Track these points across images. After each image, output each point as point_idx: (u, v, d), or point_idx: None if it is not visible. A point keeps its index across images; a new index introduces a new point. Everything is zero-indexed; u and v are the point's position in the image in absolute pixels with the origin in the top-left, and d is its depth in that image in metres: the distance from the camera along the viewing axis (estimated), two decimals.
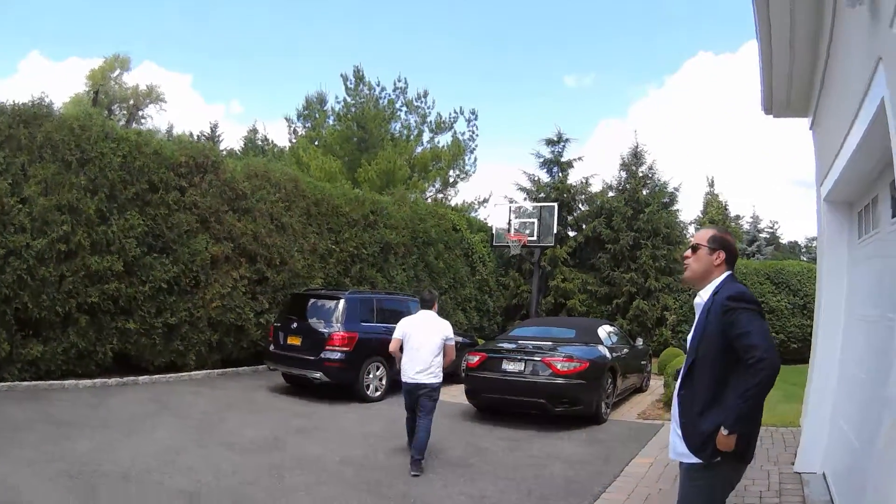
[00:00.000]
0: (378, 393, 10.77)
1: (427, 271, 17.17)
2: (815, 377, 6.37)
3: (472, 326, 18.15)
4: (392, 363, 9.19)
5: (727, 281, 3.24)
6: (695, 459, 3.09)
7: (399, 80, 29.04)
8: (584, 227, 21.47)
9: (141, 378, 10.50)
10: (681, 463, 3.23)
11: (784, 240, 37.35)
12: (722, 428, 2.94)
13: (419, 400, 6.87)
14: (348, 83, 27.97)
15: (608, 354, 10.03)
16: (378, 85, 28.32)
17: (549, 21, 59.56)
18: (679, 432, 3.18)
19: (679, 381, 3.26)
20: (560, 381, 8.92)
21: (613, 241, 20.49)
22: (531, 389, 9.02)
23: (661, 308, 19.75)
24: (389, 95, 28.45)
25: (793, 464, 6.45)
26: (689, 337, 3.32)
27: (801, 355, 19.36)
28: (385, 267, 15.69)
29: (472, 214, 25.77)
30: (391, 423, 8.61)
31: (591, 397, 9.19)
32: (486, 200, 28.82)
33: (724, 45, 73.07)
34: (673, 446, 3.27)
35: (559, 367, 8.98)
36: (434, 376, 6.90)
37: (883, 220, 4.63)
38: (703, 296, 3.27)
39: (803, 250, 35.27)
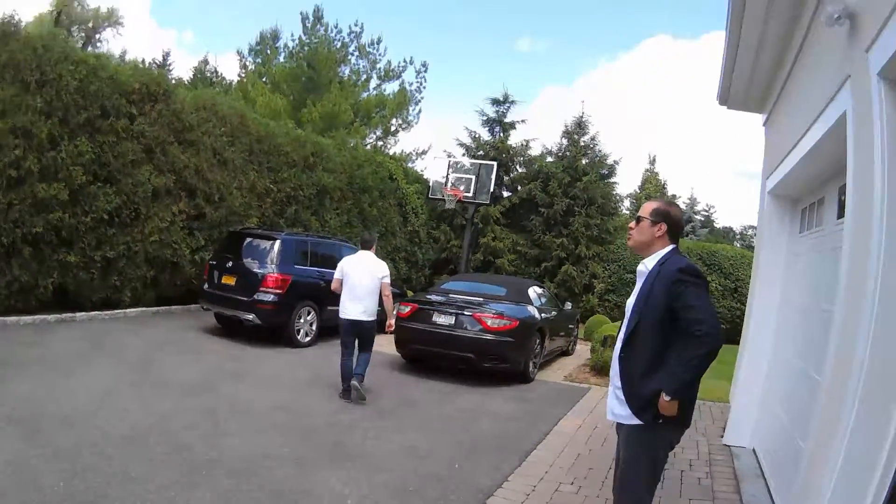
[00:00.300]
0: (308, 338, 10.81)
1: (360, 218, 17.18)
2: (745, 358, 6.86)
3: (399, 277, 18.27)
4: (323, 308, 10.47)
5: (672, 253, 3.43)
6: (636, 421, 3.28)
7: (355, 25, 28.84)
8: (519, 188, 21.88)
9: (78, 315, 10.30)
10: (620, 425, 3.44)
11: (719, 224, 38.66)
12: (664, 394, 3.15)
13: (355, 335, 7.58)
14: (307, 22, 27.59)
15: (537, 315, 10.38)
16: (336, 27, 28.03)
17: None
18: (620, 395, 3.36)
19: (620, 343, 3.42)
20: (489, 336, 9.23)
21: (548, 206, 20.91)
22: (460, 343, 9.30)
23: (589, 275, 20.37)
24: (344, 38, 28.15)
25: (721, 437, 6.94)
26: (630, 301, 3.48)
27: (729, 336, 20.31)
28: (320, 210, 15.65)
29: (410, 165, 25.84)
30: (321, 370, 8.77)
31: (519, 355, 9.55)
32: (424, 152, 29.05)
33: (685, 31, 73.77)
34: (611, 408, 3.45)
35: (489, 323, 9.29)
36: (368, 313, 7.55)
37: (827, 220, 5.03)
38: (647, 264, 3.45)
39: (737, 236, 36.62)
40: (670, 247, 3.47)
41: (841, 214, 4.61)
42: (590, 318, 16.77)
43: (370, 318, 7.58)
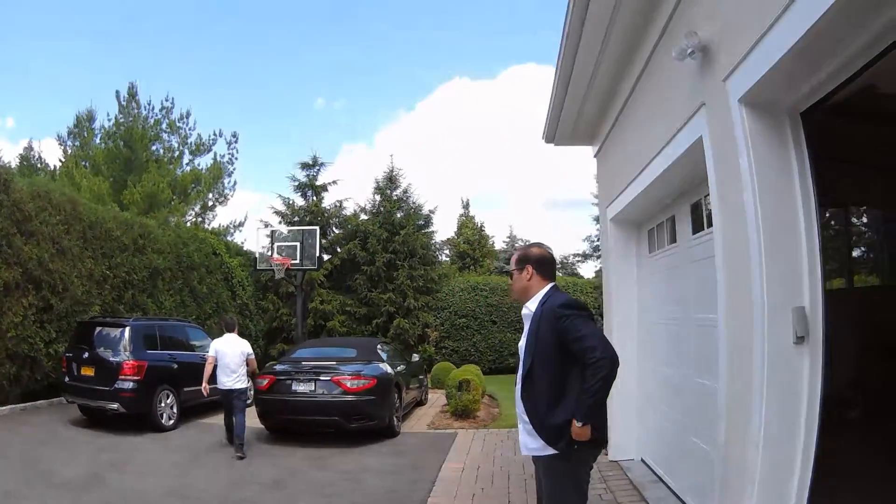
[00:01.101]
0: (171, 421, 10.74)
1: (192, 296, 17.26)
2: (618, 380, 7.32)
3: None
4: (180, 390, 10.91)
5: (552, 291, 3.71)
6: (551, 451, 3.48)
7: (167, 100, 28.09)
8: (339, 249, 22.25)
9: None
10: (536, 458, 3.66)
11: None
12: (574, 421, 3.36)
13: (232, 401, 8.99)
14: (122, 100, 26.67)
15: (390, 370, 10.64)
16: (149, 104, 27.41)
17: (309, 40, 58.73)
18: (529, 429, 3.58)
19: (519, 385, 3.66)
20: (351, 397, 9.39)
21: (369, 263, 21.49)
22: (324, 408, 9.43)
23: (421, 325, 21.05)
24: (156, 115, 27.49)
25: (606, 454, 7.35)
26: (522, 344, 3.75)
27: None
28: (154, 292, 15.67)
29: (230, 238, 25.50)
30: (194, 450, 8.89)
31: (382, 411, 9.77)
32: (242, 224, 28.75)
33: (481, 72, 77.89)
34: (524, 443, 3.68)
35: (349, 384, 9.46)
36: (240, 382, 9.12)
37: (682, 236, 5.68)
38: (530, 307, 3.73)
39: (559, 266, 38.28)
40: (548, 285, 3.77)
41: (697, 229, 5.25)
42: (435, 366, 17.18)
43: (241, 386, 9.10)
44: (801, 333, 3.33)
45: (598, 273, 34.08)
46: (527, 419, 3.60)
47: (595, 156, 8.41)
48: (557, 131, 8.19)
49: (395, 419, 10.16)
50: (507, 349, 21.73)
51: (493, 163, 67.28)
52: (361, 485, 7.13)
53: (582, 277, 28.65)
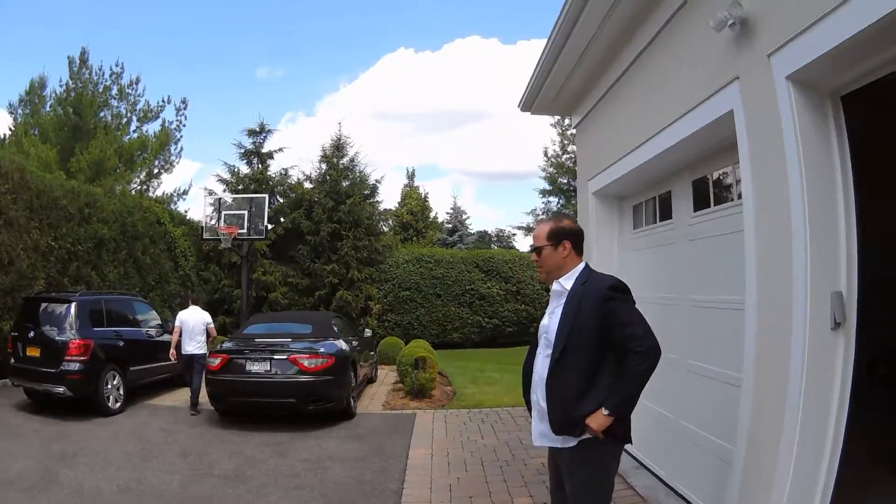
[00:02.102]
0: (118, 404, 10.38)
1: (136, 268, 16.89)
2: None
3: None
4: (126, 370, 10.72)
5: (588, 270, 3.55)
6: (573, 442, 3.34)
7: (117, 65, 27.59)
8: (283, 219, 21.85)
9: None
10: (558, 451, 3.47)
11: (473, 229, 40.69)
12: (602, 409, 3.22)
13: (193, 364, 10.52)
14: (73, 66, 25.91)
15: (346, 347, 10.43)
16: (100, 69, 26.70)
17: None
18: (549, 419, 3.39)
19: (546, 368, 3.41)
20: (309, 378, 9.14)
21: (314, 233, 21.20)
22: (280, 389, 9.16)
23: (364, 298, 20.94)
24: (106, 81, 26.85)
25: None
26: (548, 324, 3.51)
27: (517, 338, 22.23)
28: (99, 264, 15.20)
29: (173, 207, 25.39)
30: (145, 439, 8.50)
31: (340, 392, 9.59)
32: (185, 192, 28.81)
33: (426, 44, 79.59)
34: (541, 433, 3.49)
35: (306, 363, 9.21)
36: (201, 349, 10.70)
37: (681, 213, 5.68)
38: (564, 284, 3.51)
39: (494, 239, 38.61)
40: (582, 263, 3.59)
41: (700, 206, 5.26)
42: (383, 341, 17.08)
43: (202, 352, 10.60)
44: (839, 319, 3.33)
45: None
46: (544, 406, 3.44)
47: (575, 127, 8.35)
48: (537, 100, 8.07)
49: (351, 399, 10.03)
50: (450, 323, 21.94)
51: (436, 135, 69.12)
52: (328, 475, 6.95)
53: (517, 251, 28.66)
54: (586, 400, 3.29)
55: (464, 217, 36.61)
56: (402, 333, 20.39)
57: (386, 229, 27.58)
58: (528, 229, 35.28)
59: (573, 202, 32.86)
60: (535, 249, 3.63)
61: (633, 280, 6.71)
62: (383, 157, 67.03)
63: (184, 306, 11.55)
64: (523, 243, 36.80)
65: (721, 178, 5.03)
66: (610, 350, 3.31)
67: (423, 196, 36.58)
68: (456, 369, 14.99)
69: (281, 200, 22.37)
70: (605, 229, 7.36)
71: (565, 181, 32.82)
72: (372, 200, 22.73)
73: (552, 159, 33.07)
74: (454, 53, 68.55)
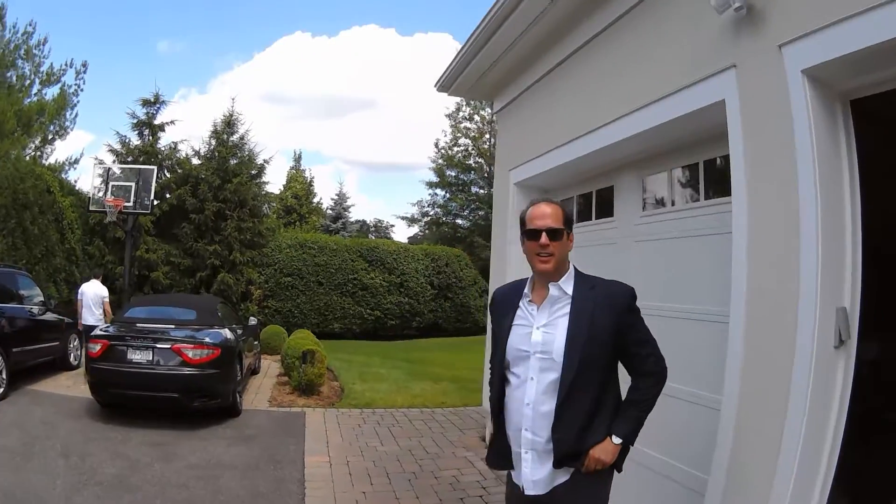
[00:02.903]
0: (1, 390, 9.01)
1: (24, 238, 15.63)
2: None
3: (62, 301, 15.90)
4: (9, 351, 9.29)
5: (578, 272, 2.96)
6: (565, 476, 2.82)
7: (30, 25, 24.84)
8: (168, 195, 20.38)
9: None
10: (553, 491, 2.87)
11: (353, 218, 40.11)
12: (613, 436, 2.79)
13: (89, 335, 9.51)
14: None
15: (232, 336, 9.47)
16: (14, 27, 24.13)
17: None
18: (550, 456, 2.81)
19: (559, 395, 2.76)
20: (193, 371, 8.18)
21: (198, 211, 19.92)
22: (163, 383, 8.13)
23: (245, 282, 19.91)
24: (18, 39, 24.26)
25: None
26: (550, 339, 2.82)
27: (398, 331, 22.08)
28: None
29: (64, 176, 23.14)
30: (28, 435, 7.35)
31: (226, 387, 8.68)
32: (76, 161, 26.22)
33: (324, 29, 79.18)
34: (534, 478, 2.86)
35: (190, 354, 8.24)
36: (97, 320, 11.60)
37: (626, 212, 5.27)
38: (565, 288, 2.87)
39: (372, 230, 38.07)
40: (572, 263, 2.99)
41: (653, 206, 4.87)
42: (265, 330, 16.09)
43: (99, 322, 11.37)
44: (844, 337, 3.01)
45: (420, 239, 34.13)
46: (549, 443, 2.80)
47: (497, 112, 7.89)
48: (458, 81, 7.59)
49: (237, 395, 9.11)
50: (331, 313, 21.23)
51: (322, 121, 68.50)
52: (220, 485, 6.08)
53: (402, 242, 28.20)
54: (590, 433, 2.81)
55: (348, 204, 36.04)
56: (283, 321, 19.49)
57: (270, 212, 26.44)
58: (412, 219, 34.89)
59: (459, 196, 32.78)
60: (553, 232, 2.85)
61: None
62: (270, 140, 66.25)
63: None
64: (402, 234, 36.53)
65: (683, 175, 4.64)
66: (615, 370, 2.93)
67: (308, 180, 35.47)
68: (340, 362, 14.16)
69: (168, 175, 20.84)
70: None
71: (453, 174, 32.68)
72: (258, 181, 21.67)
73: (443, 150, 32.81)
74: (350, 40, 67.64)
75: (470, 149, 33.18)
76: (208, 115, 47.41)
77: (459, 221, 33.75)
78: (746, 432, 3.33)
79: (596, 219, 5.79)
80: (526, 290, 2.99)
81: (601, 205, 5.73)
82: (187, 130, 71.96)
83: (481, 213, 32.37)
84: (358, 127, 68.64)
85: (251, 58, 70.41)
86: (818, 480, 3.01)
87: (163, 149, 20.94)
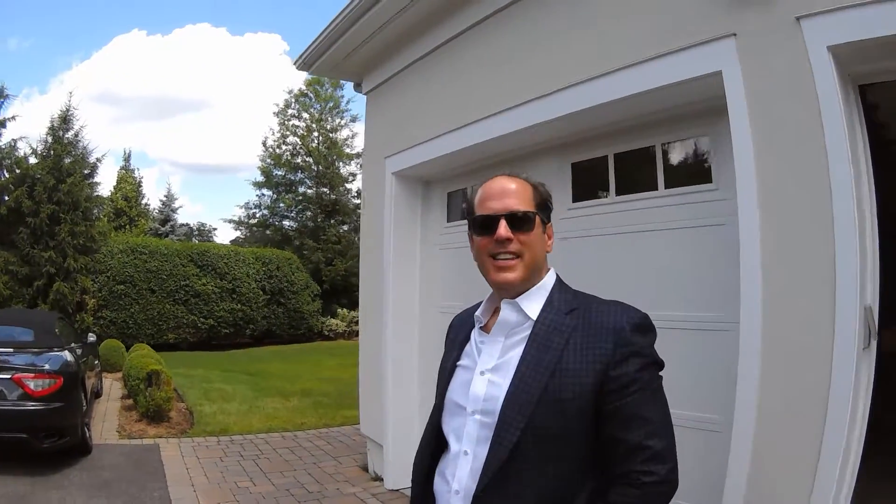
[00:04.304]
0: None
1: None
2: (390, 381, 6.06)
3: None
4: None
5: (563, 285, 1.89)
6: None
7: None
8: (7, 197, 17.74)
9: None
10: None
11: (181, 221, 37.92)
12: None
13: None
14: None
15: (73, 359, 7.81)
16: None
17: None
18: None
19: (481, 475, 1.69)
20: (37, 405, 6.61)
21: (34, 214, 17.47)
22: (10, 421, 6.53)
23: (80, 291, 17.77)
24: None
25: (378, 480, 6.15)
26: (488, 388, 1.75)
27: (232, 339, 20.93)
28: None
29: None
30: None
31: (73, 421, 7.08)
32: None
33: (158, 27, 74.20)
34: None
35: (32, 385, 6.65)
36: None
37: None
38: (526, 307, 1.80)
39: (196, 234, 35.98)
40: (552, 271, 1.93)
41: (585, 196, 4.35)
42: (102, 344, 14.34)
43: None
44: (873, 336, 2.65)
45: (242, 242, 32.25)
46: None
47: (367, 92, 7.00)
48: (322, 59, 6.68)
49: (87, 428, 7.54)
50: (165, 322, 19.62)
51: (150, 121, 65.14)
52: None
53: (232, 245, 26.53)
54: None
55: (176, 206, 33.88)
56: (118, 332, 17.79)
57: (101, 215, 24.06)
58: (239, 222, 32.87)
59: (288, 196, 31.33)
60: (518, 219, 1.79)
61: (445, 286, 5.71)
62: (101, 142, 63.71)
63: None
64: (224, 238, 34.69)
65: (626, 160, 4.09)
66: (592, 448, 1.69)
67: (137, 181, 32.77)
68: (182, 378, 12.71)
69: (7, 176, 18.13)
70: (409, 221, 6.19)
71: (281, 173, 31.22)
72: (91, 181, 19.32)
73: (271, 149, 31.29)
74: (183, 39, 64.78)
75: (298, 147, 31.86)
76: (48, 115, 43.65)
77: (287, 223, 32.34)
78: (769, 454, 2.83)
79: None
80: (479, 312, 1.93)
81: None
82: (28, 131, 67.57)
83: (308, 213, 31.17)
84: (185, 128, 66.29)
85: (90, 56, 65.73)
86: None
87: (3, 147, 18.31)
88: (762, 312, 2.83)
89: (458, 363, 1.91)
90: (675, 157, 3.79)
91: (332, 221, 30.70)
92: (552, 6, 4.17)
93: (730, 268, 3.08)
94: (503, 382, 1.71)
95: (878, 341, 2.69)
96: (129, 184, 31.74)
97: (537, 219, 1.81)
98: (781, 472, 2.76)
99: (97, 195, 19.80)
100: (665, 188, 3.69)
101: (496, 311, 1.88)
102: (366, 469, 6.79)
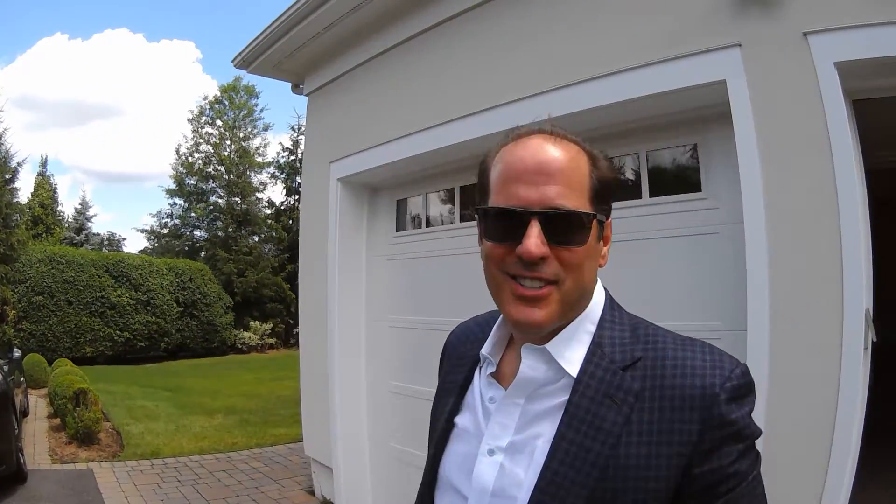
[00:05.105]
0: None
1: None
2: (337, 401, 5.73)
3: None
4: None
5: (614, 311, 1.20)
6: None
7: None
8: None
9: None
10: None
11: (94, 230, 36.35)
12: None
13: None
14: None
15: (2, 378, 7.07)
16: None
17: None
18: None
19: None
20: None
21: None
22: None
23: (1, 302, 16.56)
24: None
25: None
26: (503, 478, 1.10)
27: (147, 353, 20.49)
28: None
29: None
30: None
31: (8, 445, 6.43)
32: None
33: (79, 31, 72.70)
34: None
35: None
36: None
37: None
38: (561, 358, 1.11)
39: (106, 244, 34.52)
40: (602, 292, 1.22)
41: None
42: (25, 359, 13.50)
43: None
44: (873, 338, 2.68)
45: (151, 252, 30.98)
46: None
47: (309, 93, 6.64)
48: (264, 57, 6.34)
49: (20, 454, 6.84)
50: (83, 335, 18.85)
51: (64, 128, 63.99)
52: None
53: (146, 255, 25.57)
54: None
55: (90, 214, 32.53)
56: (38, 345, 17.11)
57: (20, 222, 22.84)
58: (150, 232, 31.53)
59: (199, 206, 30.27)
60: (562, 222, 1.06)
61: (393, 299, 5.54)
62: (19, 148, 58.90)
63: None
64: (133, 248, 33.35)
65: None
66: None
67: (53, 188, 31.19)
68: (103, 395, 11.77)
69: None
70: (354, 230, 5.90)
71: (193, 182, 30.10)
72: (11, 186, 18.14)
73: (183, 157, 30.19)
74: (101, 44, 63.61)
75: (210, 156, 30.81)
76: None
77: (198, 233, 31.20)
78: (778, 464, 2.74)
79: (462, 222, 4.96)
80: (487, 348, 1.23)
81: (466, 204, 4.93)
82: None
83: (220, 223, 30.09)
84: (98, 135, 64.85)
85: (14, 60, 62.40)
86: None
87: None
88: (770, 324, 2.81)
89: (454, 420, 1.25)
90: (661, 165, 3.72)
91: (243, 232, 29.87)
92: (518, 8, 4.05)
93: (722, 276, 3.10)
94: (523, 475, 1.08)
95: None
96: (45, 190, 30.26)
97: (592, 224, 1.09)
98: (791, 476, 2.73)
99: (17, 202, 18.87)
100: (650, 196, 3.62)
101: (511, 342, 1.23)
102: (312, 493, 6.49)
